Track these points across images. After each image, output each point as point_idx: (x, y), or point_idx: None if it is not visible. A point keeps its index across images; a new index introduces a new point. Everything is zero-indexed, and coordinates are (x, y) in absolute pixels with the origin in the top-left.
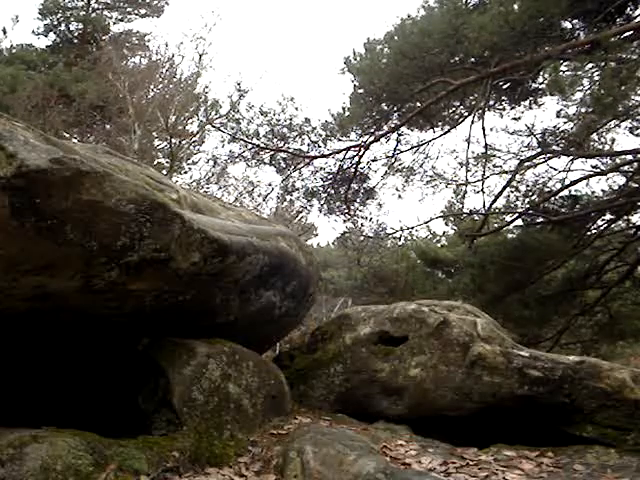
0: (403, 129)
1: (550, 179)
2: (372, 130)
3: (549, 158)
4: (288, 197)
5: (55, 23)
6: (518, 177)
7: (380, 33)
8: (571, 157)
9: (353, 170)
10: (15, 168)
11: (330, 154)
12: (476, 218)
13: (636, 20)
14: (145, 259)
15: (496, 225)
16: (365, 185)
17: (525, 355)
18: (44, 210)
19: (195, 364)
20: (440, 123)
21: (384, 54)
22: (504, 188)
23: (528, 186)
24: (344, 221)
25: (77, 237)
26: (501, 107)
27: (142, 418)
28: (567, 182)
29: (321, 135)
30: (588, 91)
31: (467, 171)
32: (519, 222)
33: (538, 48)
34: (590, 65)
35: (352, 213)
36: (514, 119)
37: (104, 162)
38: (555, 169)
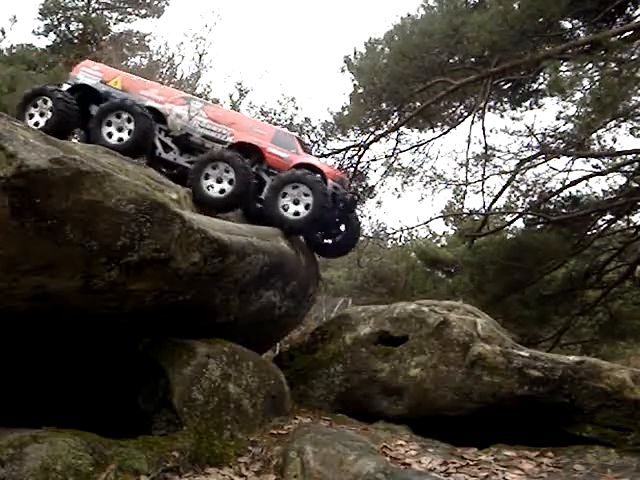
0: (403, 129)
1: (550, 179)
2: (372, 130)
3: (549, 158)
4: None
5: (55, 23)
6: (518, 177)
7: (380, 33)
8: (571, 157)
9: (353, 169)
10: (15, 168)
11: (330, 154)
12: (476, 218)
13: (636, 20)
14: (145, 259)
15: (496, 225)
16: (364, 184)
17: (525, 355)
18: (44, 210)
19: (195, 364)
20: (440, 123)
21: (384, 54)
22: (504, 188)
23: (528, 186)
24: None
25: (77, 237)
26: (501, 107)
27: (142, 418)
28: (567, 182)
29: (321, 135)
30: (588, 91)
31: (467, 171)
32: (519, 222)
33: (538, 48)
34: (590, 65)
35: None
36: (514, 119)
37: (104, 162)
38: (555, 169)
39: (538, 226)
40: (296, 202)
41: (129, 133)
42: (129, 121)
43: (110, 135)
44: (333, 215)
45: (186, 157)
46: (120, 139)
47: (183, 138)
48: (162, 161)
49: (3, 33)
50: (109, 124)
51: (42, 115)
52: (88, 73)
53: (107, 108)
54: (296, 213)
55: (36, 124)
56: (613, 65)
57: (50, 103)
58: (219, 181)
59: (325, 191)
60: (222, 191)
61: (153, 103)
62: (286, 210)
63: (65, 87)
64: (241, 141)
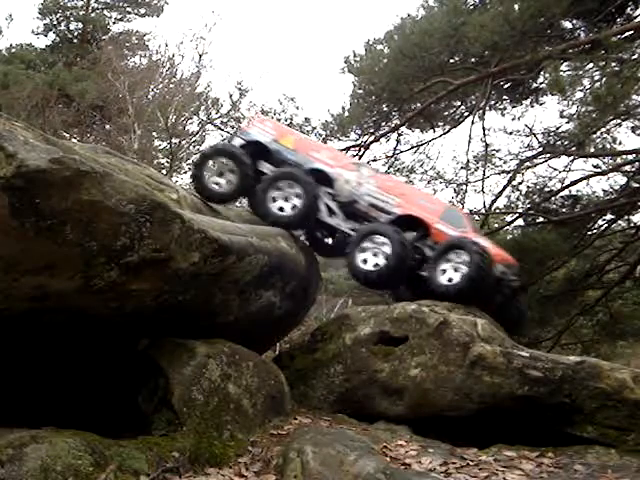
0: (403, 129)
1: (550, 179)
2: (372, 130)
3: (549, 158)
4: None
5: (55, 22)
6: (518, 177)
7: (380, 33)
8: (572, 157)
9: None
10: (15, 168)
11: None
12: (476, 218)
13: (636, 20)
14: (145, 259)
15: (496, 225)
16: None
17: (525, 355)
18: (44, 210)
19: (195, 364)
20: (440, 123)
21: (384, 54)
22: (504, 188)
23: (528, 186)
24: None
25: (77, 237)
26: (502, 107)
27: (142, 418)
28: (568, 182)
29: (321, 135)
30: (589, 90)
31: (467, 171)
32: (520, 222)
33: (539, 48)
34: (590, 65)
35: None
36: (515, 119)
37: (104, 162)
38: (555, 169)
39: (538, 226)
40: (456, 269)
41: (297, 198)
42: (295, 188)
43: (276, 204)
44: (496, 301)
45: (350, 224)
46: (292, 207)
47: (349, 204)
48: (323, 224)
49: (1, 33)
50: (276, 191)
51: (221, 175)
52: (261, 129)
53: (276, 176)
54: (449, 280)
55: (218, 184)
56: (614, 65)
57: (231, 164)
58: (374, 254)
59: (481, 263)
60: (376, 265)
61: (322, 165)
62: (450, 281)
63: (237, 142)
64: (408, 214)
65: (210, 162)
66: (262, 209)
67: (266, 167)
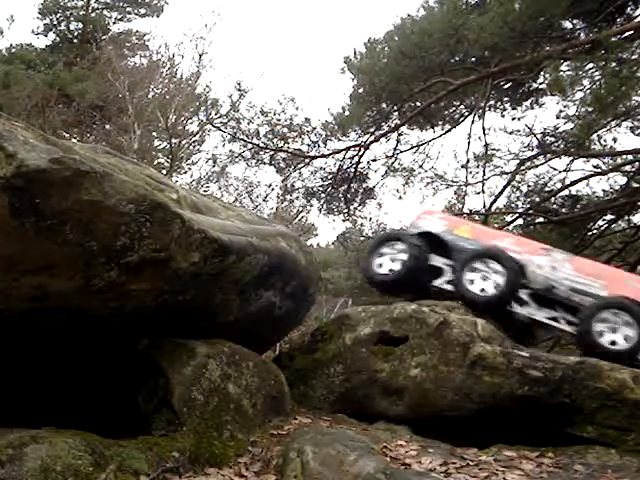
0: (403, 129)
1: (550, 179)
2: (372, 130)
3: (549, 158)
4: (288, 197)
5: (55, 22)
6: (518, 177)
7: (380, 33)
8: (572, 157)
9: (353, 170)
10: (15, 168)
11: (330, 154)
12: (476, 218)
13: (636, 20)
14: (145, 259)
15: (496, 225)
16: (365, 185)
17: (525, 355)
18: (44, 210)
19: (195, 364)
20: (440, 123)
21: (384, 54)
22: (504, 188)
23: (529, 186)
24: (343, 221)
25: (77, 237)
26: (502, 107)
27: (142, 418)
28: (568, 182)
29: (321, 135)
30: (589, 91)
31: (467, 171)
32: (520, 222)
33: (538, 48)
34: (590, 65)
35: (351, 213)
36: (515, 119)
37: (104, 162)
38: (555, 169)
39: (538, 226)
40: None
41: (494, 285)
42: (496, 272)
43: (472, 282)
44: None
45: (545, 312)
46: (482, 289)
47: (545, 291)
48: (511, 315)
49: (1, 33)
50: (473, 270)
51: (393, 261)
52: (431, 221)
53: (478, 254)
54: None
55: (390, 270)
56: (614, 65)
57: (403, 247)
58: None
59: None
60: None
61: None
62: None
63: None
64: (621, 295)
65: (383, 247)
66: (459, 289)
67: (439, 261)
